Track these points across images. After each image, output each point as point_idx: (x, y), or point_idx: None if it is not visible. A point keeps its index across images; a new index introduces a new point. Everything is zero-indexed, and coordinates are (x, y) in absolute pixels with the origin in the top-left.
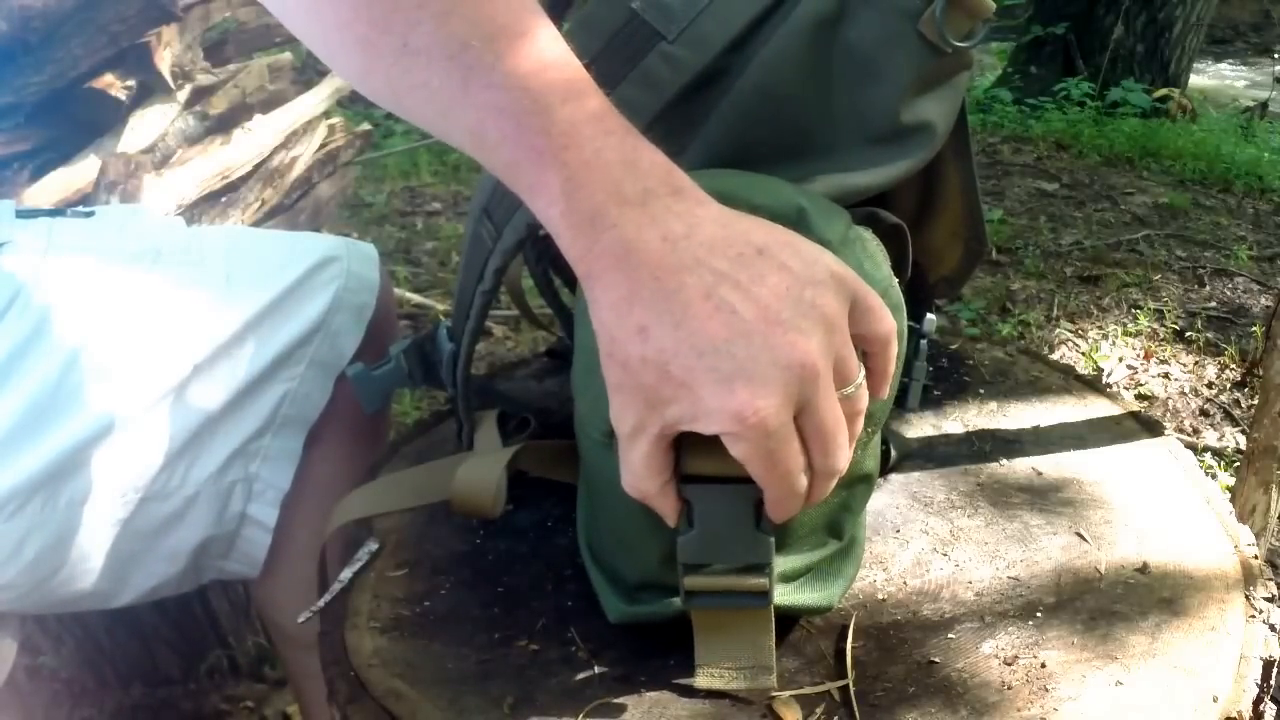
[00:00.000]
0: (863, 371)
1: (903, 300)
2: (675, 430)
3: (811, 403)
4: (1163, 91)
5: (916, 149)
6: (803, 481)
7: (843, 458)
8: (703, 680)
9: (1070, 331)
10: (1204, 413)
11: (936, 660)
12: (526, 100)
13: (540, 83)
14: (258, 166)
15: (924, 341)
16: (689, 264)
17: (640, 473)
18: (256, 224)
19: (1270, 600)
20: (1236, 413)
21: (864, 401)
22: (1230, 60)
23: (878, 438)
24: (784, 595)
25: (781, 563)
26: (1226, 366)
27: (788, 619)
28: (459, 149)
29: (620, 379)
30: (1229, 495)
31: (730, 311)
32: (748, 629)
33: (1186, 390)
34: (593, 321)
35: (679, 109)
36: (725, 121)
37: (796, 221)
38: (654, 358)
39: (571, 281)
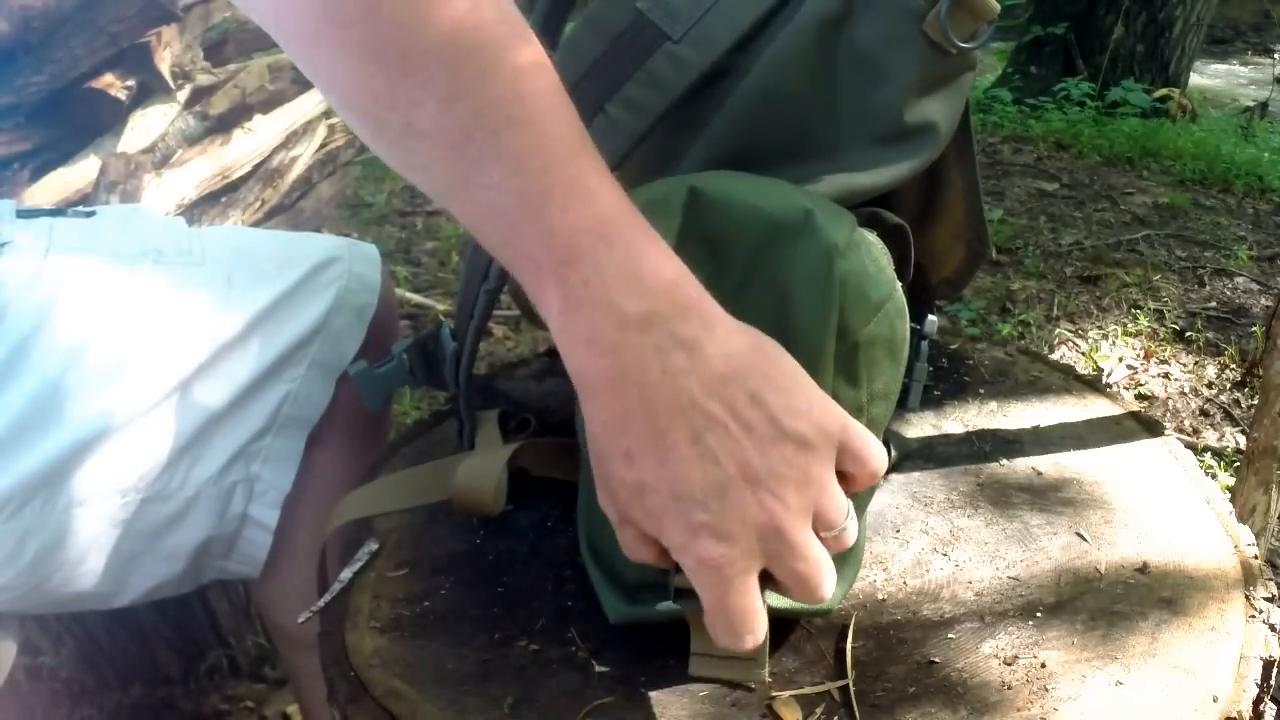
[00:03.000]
0: (851, 512)
1: (905, 304)
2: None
3: (781, 557)
4: (1163, 91)
5: (920, 149)
6: (746, 628)
7: (823, 593)
8: (695, 668)
9: (1070, 331)
10: (1204, 413)
11: (936, 660)
12: (525, 208)
13: (541, 187)
14: (258, 166)
15: (924, 342)
16: (684, 404)
17: (634, 549)
18: (256, 224)
19: (1270, 600)
20: (1236, 413)
21: (850, 538)
22: (1230, 60)
23: (880, 439)
24: (783, 599)
25: None
26: (1226, 366)
27: (788, 621)
28: None
29: (604, 482)
30: (1229, 495)
31: (713, 461)
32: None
33: (1186, 390)
34: (586, 426)
35: (683, 109)
36: (729, 121)
37: (803, 225)
38: (633, 485)
39: None
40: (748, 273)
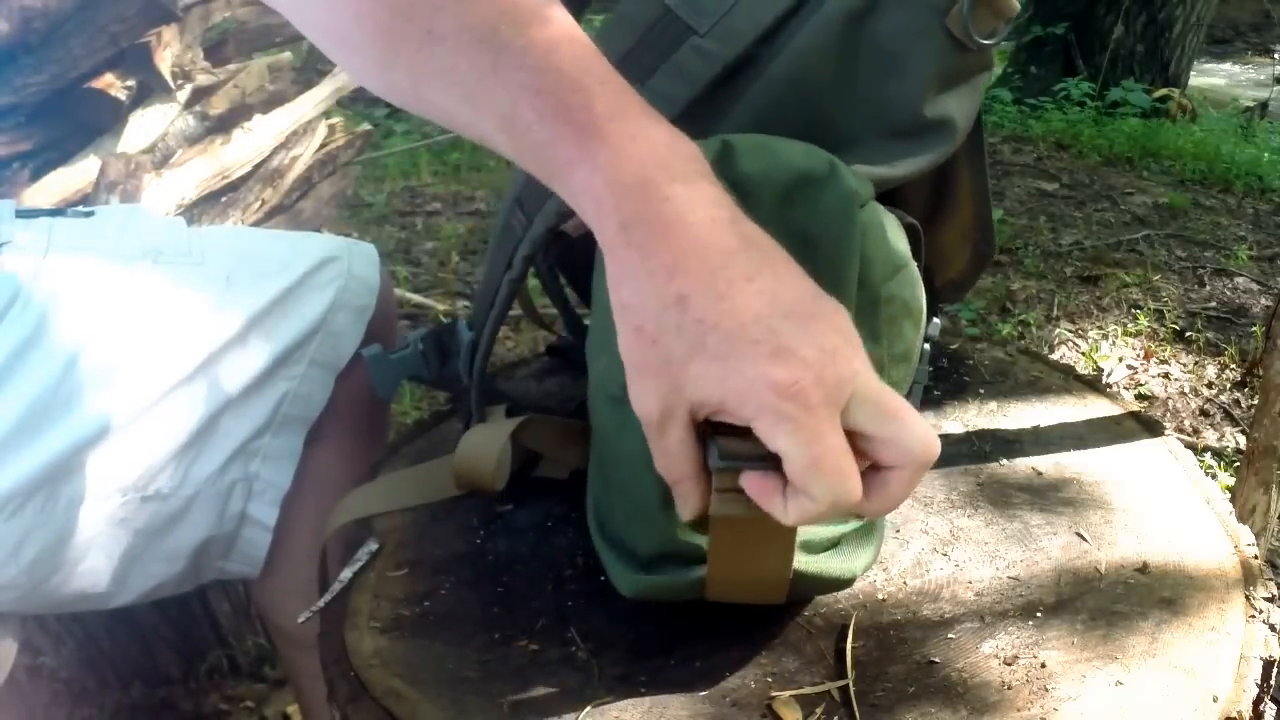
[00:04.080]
0: None
1: (921, 279)
2: (702, 414)
3: (863, 383)
4: (1163, 91)
5: (937, 144)
6: (854, 491)
7: (928, 432)
8: (714, 588)
9: (1070, 331)
10: (1204, 413)
11: (936, 660)
12: (564, 80)
13: (576, 65)
14: (258, 166)
15: (926, 345)
16: (736, 246)
17: (673, 460)
18: (256, 224)
19: (1270, 600)
20: (1236, 413)
21: None
22: (1230, 60)
23: None
24: (809, 563)
25: (806, 532)
26: (1226, 366)
27: (788, 619)
28: (479, 139)
29: (644, 358)
30: (1229, 495)
31: (771, 296)
32: (766, 550)
33: (1186, 390)
34: (620, 294)
35: (707, 98)
36: (752, 109)
37: (828, 175)
38: (691, 329)
39: (575, 281)
40: (772, 221)
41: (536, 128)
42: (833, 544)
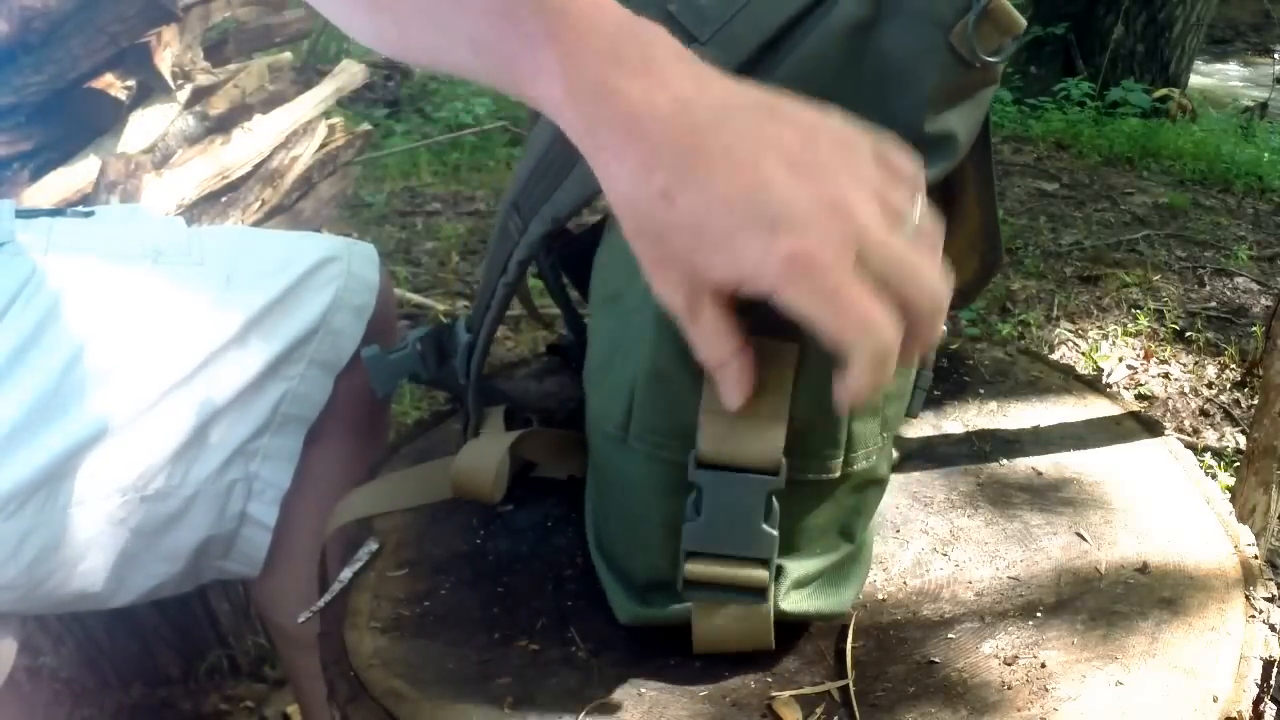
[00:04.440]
0: (920, 199)
1: None
2: (726, 290)
3: (868, 238)
4: (1163, 91)
5: (939, 159)
6: (887, 333)
7: (936, 283)
8: (700, 641)
9: (1070, 331)
10: (1204, 413)
11: (936, 660)
12: None
13: None
14: (258, 166)
15: (931, 352)
16: (704, 123)
17: (713, 341)
18: (256, 224)
19: (1270, 600)
20: (1236, 413)
21: (935, 235)
22: (1230, 60)
23: (890, 441)
24: (798, 602)
25: (795, 568)
26: (1226, 366)
27: (799, 626)
28: (467, 75)
29: (655, 255)
30: (1229, 495)
31: (754, 165)
32: (746, 623)
33: (1186, 390)
34: (613, 196)
35: None
36: None
37: None
38: (685, 221)
39: (580, 282)
40: None
41: (498, 47)
42: (819, 575)
